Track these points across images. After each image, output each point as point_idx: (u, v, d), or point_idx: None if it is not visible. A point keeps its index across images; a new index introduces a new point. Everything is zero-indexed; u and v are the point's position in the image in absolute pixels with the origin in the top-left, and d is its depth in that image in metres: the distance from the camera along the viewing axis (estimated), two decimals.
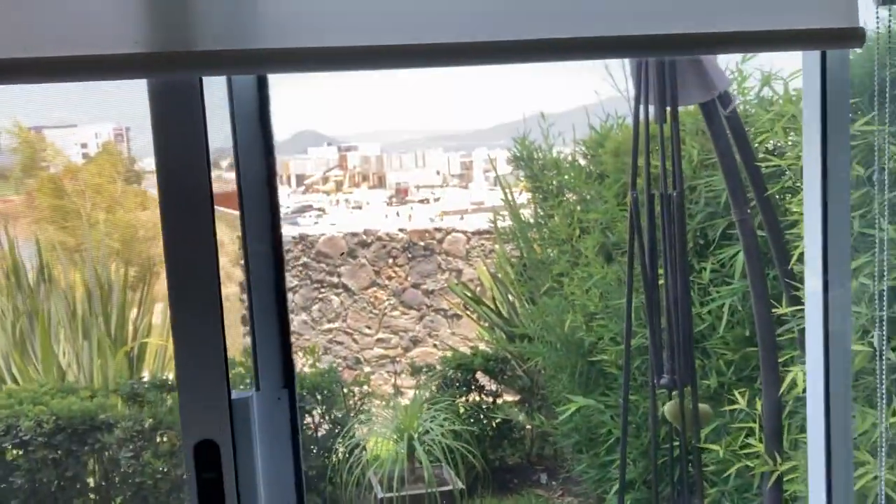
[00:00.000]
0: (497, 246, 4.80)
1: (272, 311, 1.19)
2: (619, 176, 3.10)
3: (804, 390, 1.45)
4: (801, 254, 1.79)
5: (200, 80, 1.04)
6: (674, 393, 1.82)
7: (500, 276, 4.62)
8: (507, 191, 3.98)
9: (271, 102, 1.16)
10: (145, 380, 4.07)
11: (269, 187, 1.17)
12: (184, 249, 1.07)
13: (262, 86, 1.15)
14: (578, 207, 3.28)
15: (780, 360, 2.02)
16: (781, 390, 1.96)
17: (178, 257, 1.07)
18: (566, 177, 3.38)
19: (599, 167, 3.36)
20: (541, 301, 3.56)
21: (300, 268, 5.86)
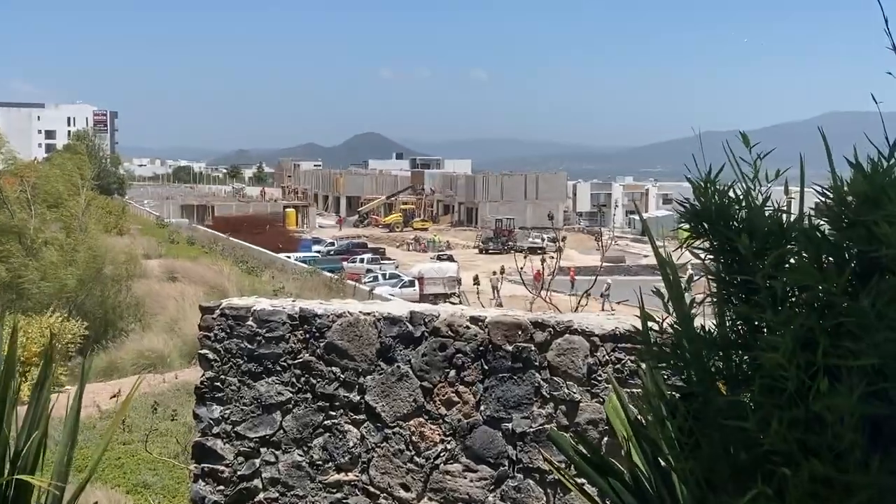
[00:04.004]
0: (644, 367, 4.11)
1: None
2: None
3: None
4: None
5: None
6: None
7: (645, 422, 3.92)
8: (668, 253, 3.29)
9: None
10: None
11: None
12: None
13: None
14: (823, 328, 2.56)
15: None
16: None
17: None
18: (803, 256, 2.63)
19: (859, 245, 2.65)
20: None
21: (298, 369, 5.42)
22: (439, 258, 69.15)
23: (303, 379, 5.43)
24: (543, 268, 10.70)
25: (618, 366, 5.00)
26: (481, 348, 5.20)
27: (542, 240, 74.39)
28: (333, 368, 5.39)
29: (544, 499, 5.10)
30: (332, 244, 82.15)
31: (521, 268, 10.56)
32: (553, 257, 10.92)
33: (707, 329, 2.88)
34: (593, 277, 10.89)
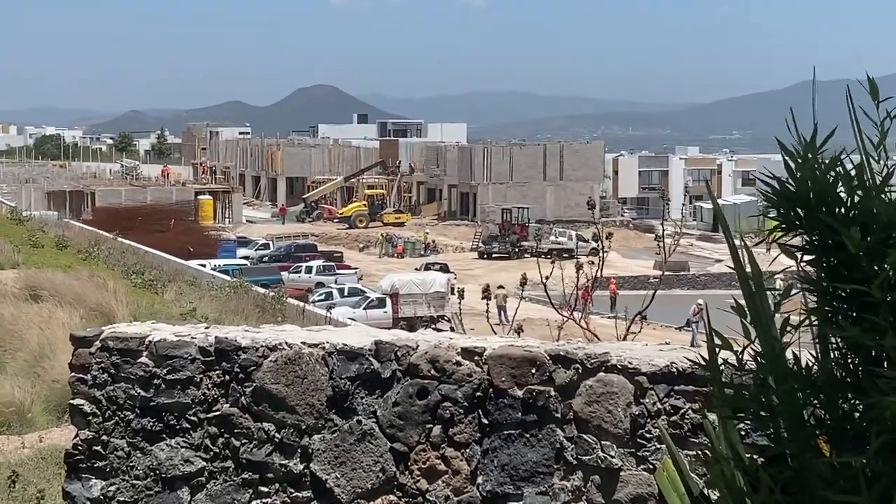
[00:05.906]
0: (713, 419, 4.21)
1: None
2: None
3: None
4: None
5: None
6: None
7: (715, 498, 4.01)
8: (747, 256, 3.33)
9: None
10: None
11: None
12: None
13: None
14: None
15: None
16: None
17: None
18: None
19: None
20: None
21: (214, 426, 5.50)
22: (428, 267, 68.58)
23: (221, 440, 5.44)
24: (578, 277, 10.68)
25: (675, 418, 5.04)
26: (479, 394, 5.23)
27: (570, 238, 74.56)
28: (265, 425, 5.40)
29: None
30: (267, 246, 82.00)
31: (547, 277, 10.54)
32: (592, 263, 10.94)
33: (804, 363, 2.89)
34: (646, 293, 10.88)
